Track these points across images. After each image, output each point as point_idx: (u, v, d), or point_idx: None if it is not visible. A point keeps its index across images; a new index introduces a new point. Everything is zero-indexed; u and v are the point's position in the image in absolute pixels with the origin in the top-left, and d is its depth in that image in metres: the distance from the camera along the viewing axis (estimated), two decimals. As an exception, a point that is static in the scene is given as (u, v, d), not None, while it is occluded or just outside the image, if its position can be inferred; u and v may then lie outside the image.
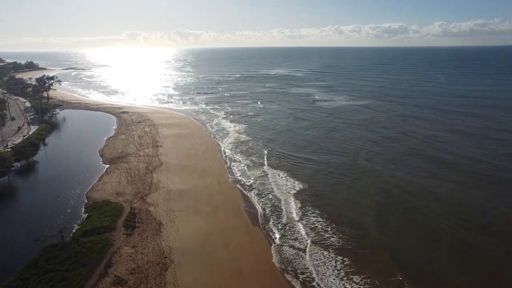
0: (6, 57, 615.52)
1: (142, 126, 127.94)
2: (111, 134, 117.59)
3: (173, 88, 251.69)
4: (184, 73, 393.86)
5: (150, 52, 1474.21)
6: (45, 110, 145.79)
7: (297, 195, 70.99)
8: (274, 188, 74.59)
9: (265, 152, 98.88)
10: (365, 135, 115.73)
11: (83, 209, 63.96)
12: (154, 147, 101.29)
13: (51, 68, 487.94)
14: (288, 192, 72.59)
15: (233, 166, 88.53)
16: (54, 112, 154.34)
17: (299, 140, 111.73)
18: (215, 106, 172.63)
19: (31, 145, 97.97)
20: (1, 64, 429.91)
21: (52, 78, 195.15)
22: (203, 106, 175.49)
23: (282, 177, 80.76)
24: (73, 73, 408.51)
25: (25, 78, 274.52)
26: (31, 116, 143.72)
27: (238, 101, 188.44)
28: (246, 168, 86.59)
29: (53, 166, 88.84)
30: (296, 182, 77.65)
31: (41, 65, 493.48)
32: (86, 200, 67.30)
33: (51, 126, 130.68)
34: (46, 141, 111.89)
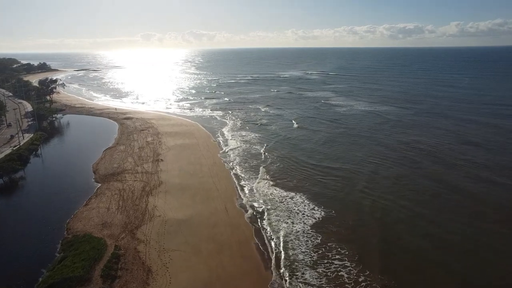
0: (23, 58, 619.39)
1: (144, 135, 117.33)
2: (110, 144, 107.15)
3: (182, 92, 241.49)
4: (194, 76, 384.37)
5: (164, 53, 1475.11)
6: (43, 116, 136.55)
7: (317, 226, 59.24)
8: (290, 215, 62.97)
9: (280, 167, 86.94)
10: (386, 153, 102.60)
11: (60, 245, 52.91)
12: (154, 162, 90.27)
13: (63, 69, 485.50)
14: (305, 223, 60.72)
15: (242, 185, 76.85)
16: (54, 118, 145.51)
17: (317, 153, 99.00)
18: (225, 112, 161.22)
19: (19, 158, 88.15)
20: (15, 65, 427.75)
21: (55, 81, 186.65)
22: (213, 112, 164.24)
23: (299, 201, 69.26)
24: (84, 75, 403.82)
25: (32, 80, 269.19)
26: (29, 122, 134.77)
27: (249, 106, 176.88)
28: (257, 188, 74.72)
29: (39, 184, 78.31)
30: (316, 208, 65.94)
31: (53, 67, 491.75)
32: (65, 233, 56.24)
33: (48, 134, 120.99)
34: (39, 151, 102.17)
